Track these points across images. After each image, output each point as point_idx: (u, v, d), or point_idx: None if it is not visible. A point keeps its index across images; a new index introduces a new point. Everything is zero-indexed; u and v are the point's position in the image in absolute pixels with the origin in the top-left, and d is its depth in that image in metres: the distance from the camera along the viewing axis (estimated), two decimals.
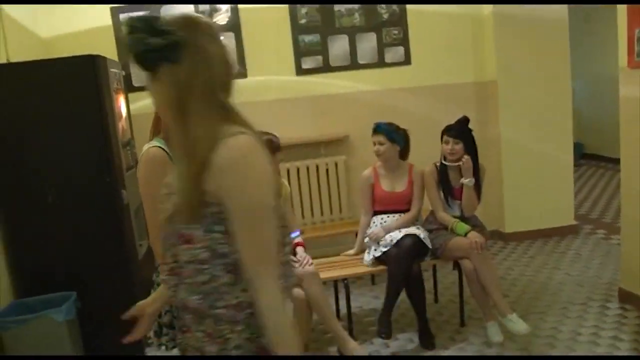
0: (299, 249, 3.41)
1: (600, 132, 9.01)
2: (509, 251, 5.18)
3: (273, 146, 3.27)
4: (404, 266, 3.37)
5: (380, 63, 5.12)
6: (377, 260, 3.57)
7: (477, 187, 3.58)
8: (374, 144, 3.64)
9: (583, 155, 9.41)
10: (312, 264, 3.29)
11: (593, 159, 9.34)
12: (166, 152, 1.97)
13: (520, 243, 5.36)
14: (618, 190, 7.21)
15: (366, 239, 3.67)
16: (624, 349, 3.25)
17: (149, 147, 2.02)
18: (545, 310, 3.84)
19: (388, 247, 3.47)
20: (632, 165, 3.65)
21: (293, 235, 3.40)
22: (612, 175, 8.19)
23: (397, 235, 3.50)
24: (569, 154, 5.47)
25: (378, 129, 3.63)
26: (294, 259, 3.30)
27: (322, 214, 5.05)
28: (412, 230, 3.54)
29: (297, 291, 3.21)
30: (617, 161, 8.59)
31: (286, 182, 3.59)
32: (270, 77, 4.97)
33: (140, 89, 4.80)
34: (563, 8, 5.20)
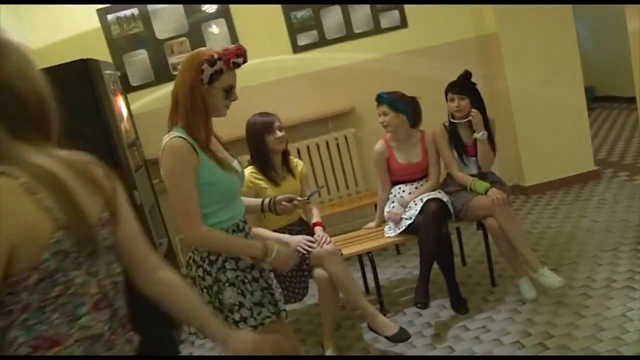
0: (317, 229, 3.34)
1: (610, 73, 8.80)
2: (532, 204, 5.08)
3: (266, 124, 3.18)
4: (434, 231, 3.28)
5: (377, 29, 4.99)
6: (403, 232, 3.49)
7: (491, 140, 3.48)
8: (379, 115, 3.52)
9: (595, 99, 9.21)
10: (331, 242, 3.22)
11: (606, 100, 9.14)
12: (187, 141, 1.99)
13: (542, 195, 5.26)
14: (635, 129, 7.11)
15: (387, 218, 3.58)
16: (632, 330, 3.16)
17: (171, 138, 2.02)
18: (577, 260, 3.76)
19: (412, 218, 3.40)
20: None
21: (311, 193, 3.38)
22: (628, 115, 8.02)
23: (419, 202, 3.42)
24: (581, 99, 5.32)
25: (380, 99, 3.51)
26: (312, 239, 3.22)
27: (338, 189, 4.97)
28: (434, 194, 3.46)
29: (319, 272, 3.15)
30: (630, 100, 8.47)
31: (300, 161, 3.49)
32: (267, 59, 4.87)
33: (140, 87, 4.75)
34: None
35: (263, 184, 3.23)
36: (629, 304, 3.07)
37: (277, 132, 3.23)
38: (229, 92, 2.11)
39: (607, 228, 4.17)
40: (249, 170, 3.26)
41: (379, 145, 3.62)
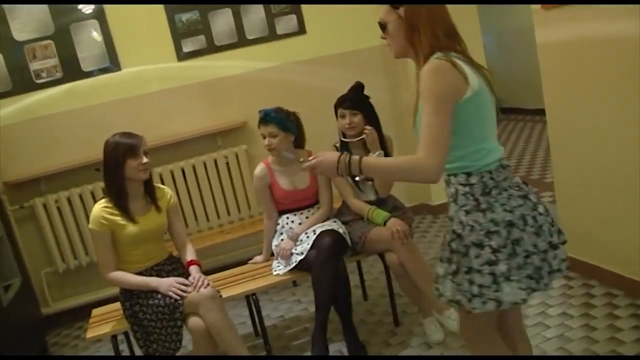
0: (193, 269, 2.83)
1: (515, 85, 8.79)
2: (440, 225, 4.77)
3: (130, 147, 2.66)
4: (330, 269, 2.85)
5: (272, 36, 4.51)
6: (294, 269, 3.03)
7: None
8: (264, 136, 3.04)
9: (501, 110, 9.17)
10: (208, 284, 2.72)
11: (512, 112, 9.14)
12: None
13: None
14: (541, 142, 7.04)
15: (276, 253, 3.12)
16: (575, 326, 2.86)
17: (437, 59, 1.72)
18: None
19: (304, 254, 2.94)
20: (559, 114, 3.25)
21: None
22: (533, 127, 8.02)
23: (312, 235, 2.98)
24: None
25: (267, 117, 3.02)
26: (186, 281, 2.71)
27: (229, 214, 4.44)
28: (328, 225, 3.03)
29: (195, 320, 2.65)
30: (536, 112, 8.57)
31: (168, 189, 2.96)
32: (147, 67, 4.28)
33: None
34: None
35: (120, 220, 2.69)
36: (542, 345, 2.75)
37: (143, 157, 2.71)
38: None
39: None
40: (100, 205, 2.71)
41: (260, 169, 3.15)
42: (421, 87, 1.70)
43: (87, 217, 4.04)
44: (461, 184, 1.79)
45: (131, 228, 2.70)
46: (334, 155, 1.84)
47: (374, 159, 1.81)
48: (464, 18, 4.61)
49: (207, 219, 4.38)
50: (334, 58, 4.66)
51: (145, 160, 2.71)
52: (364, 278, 3.73)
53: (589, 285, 3.24)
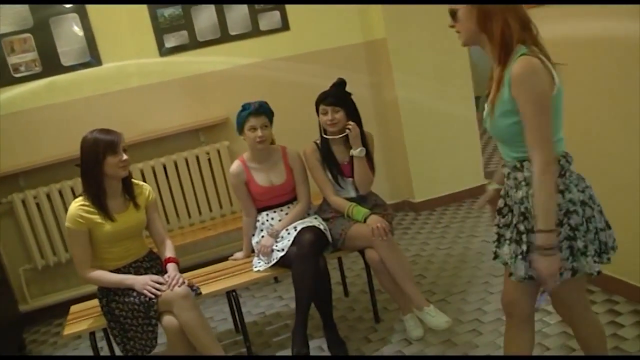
0: (170, 266, 2.80)
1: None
2: (422, 222, 4.78)
3: (110, 144, 2.63)
4: (310, 266, 2.84)
5: (255, 32, 4.48)
6: (275, 265, 3.02)
7: (369, 157, 3.08)
8: (254, 128, 3.00)
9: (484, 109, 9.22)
10: (184, 282, 2.69)
11: None
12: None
13: (432, 212, 4.97)
14: None
15: (257, 250, 3.11)
16: (553, 323, 2.88)
17: (526, 56, 1.73)
18: (467, 289, 3.44)
19: (285, 250, 2.94)
20: None
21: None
22: None
23: (292, 232, 2.97)
24: (471, 111, 5.09)
25: (261, 109, 3.01)
26: (161, 279, 2.69)
27: (210, 210, 4.42)
28: (309, 221, 3.02)
29: (169, 319, 2.62)
30: None
31: (147, 185, 2.93)
32: (129, 62, 4.23)
33: None
34: None
35: (98, 218, 2.65)
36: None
37: (123, 154, 2.67)
38: None
39: None
40: (77, 203, 2.67)
41: (235, 166, 3.12)
42: (519, 88, 1.73)
43: (66, 212, 4.04)
44: None
45: (109, 226, 2.67)
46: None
47: (536, 197, 1.78)
48: (447, 11, 4.68)
49: (189, 215, 4.36)
50: (317, 55, 4.65)
51: (125, 157, 2.68)
52: (345, 275, 3.73)
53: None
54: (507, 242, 1.94)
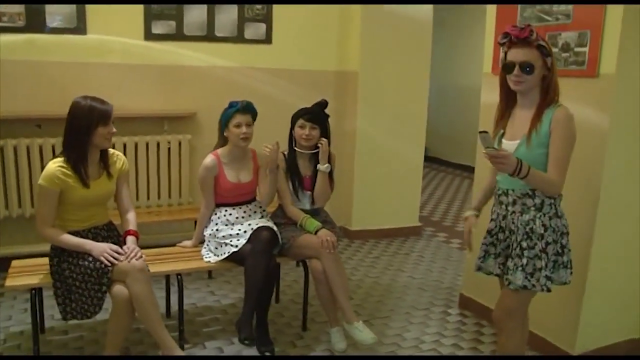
0: (130, 239, 2.91)
1: (444, 138, 9.39)
2: (354, 249, 5.05)
3: (104, 114, 2.75)
4: (265, 261, 3.00)
5: (239, 38, 4.68)
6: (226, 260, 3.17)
7: (330, 175, 3.31)
8: (239, 125, 3.16)
9: (426, 158, 9.69)
10: (141, 257, 2.81)
11: (434, 162, 9.67)
12: None
13: (365, 242, 5.25)
14: (457, 193, 7.55)
15: (206, 243, 3.28)
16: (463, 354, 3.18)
17: (564, 107, 2.36)
18: (390, 315, 3.70)
19: (239, 247, 3.09)
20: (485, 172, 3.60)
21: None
22: (452, 179, 8.54)
23: (249, 230, 3.13)
24: (420, 155, 5.48)
25: (249, 107, 3.21)
26: (119, 249, 2.80)
27: (159, 197, 4.52)
28: (264, 222, 3.21)
29: (120, 288, 2.72)
30: (457, 166, 9.15)
31: (122, 156, 3.02)
32: (113, 38, 4.31)
33: None
34: (429, 10, 5.18)
35: (72, 182, 2.74)
36: None
37: (112, 126, 2.79)
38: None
39: (422, 286, 4.21)
40: (56, 164, 2.74)
41: (210, 160, 3.26)
42: (560, 126, 2.29)
43: (17, 171, 4.04)
44: (547, 197, 2.35)
45: (81, 191, 2.75)
46: (514, 158, 2.23)
47: (537, 171, 2.26)
48: (417, 60, 5.09)
49: (137, 198, 4.43)
50: (292, 73, 4.90)
51: (114, 129, 2.79)
52: (279, 283, 3.91)
53: (480, 324, 3.58)
54: (493, 256, 2.56)
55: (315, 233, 3.16)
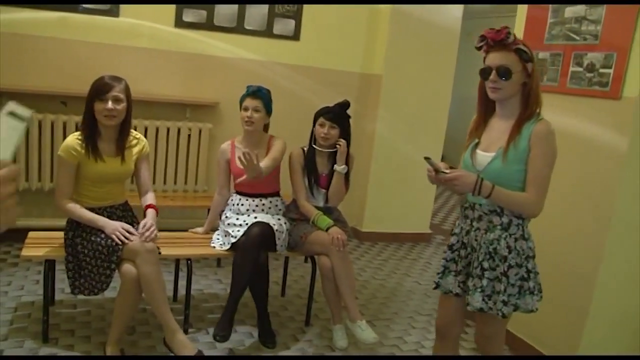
0: (150, 212, 2.97)
1: (462, 148, 9.34)
2: (363, 251, 5.08)
3: (99, 89, 2.78)
4: (251, 258, 3.02)
5: (268, 33, 4.74)
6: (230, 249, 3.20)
7: (347, 176, 3.34)
8: (246, 109, 3.20)
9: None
10: (155, 236, 2.85)
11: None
12: None
13: (375, 244, 5.28)
14: None
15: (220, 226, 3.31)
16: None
17: (546, 120, 2.18)
18: (393, 318, 3.74)
19: (237, 238, 3.11)
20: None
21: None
22: None
23: (250, 221, 3.15)
24: (437, 161, 5.47)
25: (259, 92, 3.21)
26: (132, 230, 2.82)
27: (175, 182, 4.58)
28: (267, 218, 3.19)
29: (128, 267, 2.77)
30: None
31: (144, 139, 3.08)
32: (145, 23, 4.39)
33: None
34: (457, 20, 5.20)
35: (86, 155, 2.80)
36: None
37: (110, 102, 2.76)
38: None
39: (427, 292, 4.23)
40: (75, 136, 2.83)
41: (225, 144, 3.35)
42: (540, 142, 2.11)
43: (40, 145, 4.13)
44: (516, 217, 2.18)
45: (96, 166, 2.81)
46: (472, 176, 2.13)
47: (503, 190, 2.12)
48: (442, 68, 5.11)
49: (154, 182, 4.48)
50: (316, 71, 4.94)
51: (109, 106, 2.76)
52: (286, 277, 3.96)
53: None
54: (453, 273, 2.33)
55: (327, 230, 3.19)
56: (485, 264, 2.19)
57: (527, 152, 2.13)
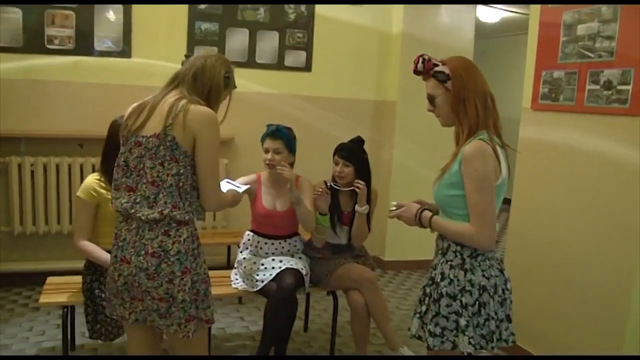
0: None
1: None
2: (387, 280, 4.99)
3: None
4: (286, 309, 2.95)
5: (279, 65, 4.75)
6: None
7: (368, 216, 3.26)
8: (267, 150, 3.09)
9: None
10: None
11: None
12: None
13: (398, 273, 5.19)
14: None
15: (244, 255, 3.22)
16: None
17: (481, 141, 1.97)
18: (419, 351, 3.62)
19: (264, 282, 3.02)
20: (523, 206, 3.54)
21: None
22: None
23: (276, 268, 3.03)
24: None
25: (278, 132, 3.07)
26: None
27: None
28: (294, 262, 3.09)
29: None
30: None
31: None
32: (157, 62, 4.41)
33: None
34: (469, 41, 5.16)
35: (107, 195, 2.79)
36: None
37: None
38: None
39: None
40: (94, 177, 2.83)
41: (251, 176, 3.20)
42: (466, 165, 1.94)
43: (58, 187, 4.15)
44: (455, 243, 2.03)
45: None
46: (414, 208, 2.16)
47: (441, 219, 2.07)
48: None
49: None
50: (330, 101, 4.92)
51: None
52: (308, 312, 3.88)
53: None
54: (417, 315, 2.15)
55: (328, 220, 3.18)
56: (427, 289, 2.11)
57: (459, 176, 1.98)
